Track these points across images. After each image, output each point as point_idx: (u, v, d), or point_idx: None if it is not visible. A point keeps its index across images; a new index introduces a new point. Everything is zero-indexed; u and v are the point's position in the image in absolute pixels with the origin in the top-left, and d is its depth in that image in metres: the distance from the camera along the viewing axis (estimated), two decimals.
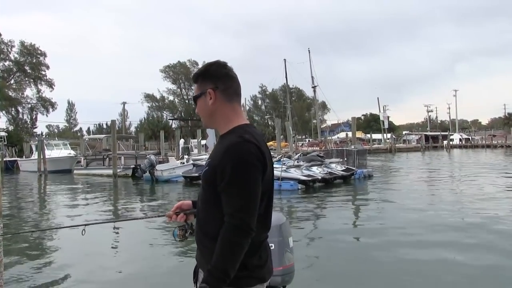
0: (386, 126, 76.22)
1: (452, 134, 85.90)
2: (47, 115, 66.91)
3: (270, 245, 2.41)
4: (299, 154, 23.24)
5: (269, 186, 1.97)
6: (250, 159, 1.84)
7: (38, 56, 62.24)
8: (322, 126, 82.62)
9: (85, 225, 2.73)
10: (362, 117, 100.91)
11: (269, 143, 63.09)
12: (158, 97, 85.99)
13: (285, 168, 18.11)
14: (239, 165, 1.83)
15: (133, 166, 27.20)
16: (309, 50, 69.06)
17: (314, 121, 78.90)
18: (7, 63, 62.33)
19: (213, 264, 1.82)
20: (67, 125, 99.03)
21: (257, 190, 1.85)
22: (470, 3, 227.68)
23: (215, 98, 2.04)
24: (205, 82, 2.07)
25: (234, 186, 1.83)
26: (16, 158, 43.82)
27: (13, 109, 62.77)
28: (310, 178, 18.10)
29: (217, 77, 2.06)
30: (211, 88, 2.04)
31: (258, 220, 1.88)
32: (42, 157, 32.68)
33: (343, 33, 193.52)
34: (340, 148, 28.34)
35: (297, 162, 19.97)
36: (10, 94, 60.04)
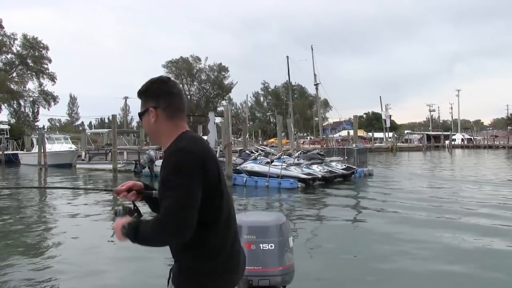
0: (388, 125, 76.14)
1: (454, 134, 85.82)
2: (48, 109, 66.83)
3: (270, 245, 2.38)
4: (299, 152, 23.17)
5: (216, 189, 1.98)
6: (181, 165, 1.88)
7: (41, 49, 62.08)
8: (323, 124, 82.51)
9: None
10: (364, 116, 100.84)
11: (270, 140, 63.63)
12: None
13: (285, 166, 18.07)
14: (173, 172, 1.87)
15: (135, 161, 27.16)
16: (311, 48, 68.84)
17: (316, 118, 78.78)
18: (9, 56, 62.24)
19: (141, 228, 1.89)
20: (68, 119, 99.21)
21: (190, 193, 1.86)
22: (468, 4, 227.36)
23: (157, 117, 2.05)
24: (147, 100, 2.08)
25: (170, 189, 1.86)
26: (17, 151, 43.88)
27: (15, 102, 62.70)
28: (310, 177, 18.03)
29: (158, 95, 2.07)
30: (152, 107, 2.05)
31: (218, 222, 1.97)
32: (42, 151, 32.66)
33: (342, 33, 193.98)
34: (341, 147, 28.27)
35: (297, 160, 19.92)
36: (12, 87, 59.94)
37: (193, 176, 1.88)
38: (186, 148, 1.93)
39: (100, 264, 6.90)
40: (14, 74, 63.48)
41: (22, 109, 65.80)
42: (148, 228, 1.88)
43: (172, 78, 2.21)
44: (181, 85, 76.64)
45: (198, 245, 1.96)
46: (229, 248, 2.04)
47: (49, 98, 64.43)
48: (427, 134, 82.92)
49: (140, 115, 2.12)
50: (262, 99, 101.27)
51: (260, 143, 53.21)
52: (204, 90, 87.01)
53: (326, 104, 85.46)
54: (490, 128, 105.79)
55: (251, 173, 18.36)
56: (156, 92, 2.07)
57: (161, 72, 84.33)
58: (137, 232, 1.89)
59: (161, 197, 1.90)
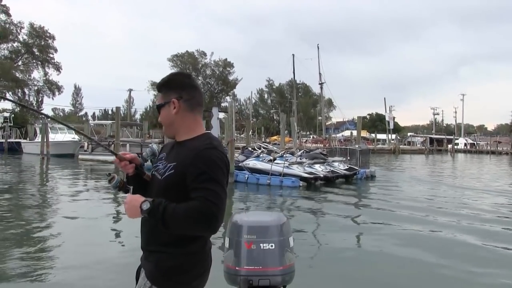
0: (392, 126, 75.94)
1: (458, 138, 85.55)
2: (53, 98, 66.99)
3: (270, 244, 2.38)
4: (302, 151, 23.13)
5: None
6: (219, 163, 1.94)
7: (47, 38, 62.14)
8: (327, 124, 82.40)
9: None
10: (368, 117, 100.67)
11: (273, 138, 63.49)
12: None
13: (287, 164, 18.07)
14: (212, 167, 1.91)
15: (138, 154, 27.08)
16: (318, 46, 68.81)
17: (320, 117, 78.70)
18: (15, 44, 62.34)
19: (171, 210, 1.85)
20: (72, 109, 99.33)
21: (225, 191, 1.94)
22: (474, 6, 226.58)
23: (179, 108, 2.08)
24: (169, 91, 2.11)
25: (211, 182, 1.88)
26: (20, 140, 43.98)
27: (19, 90, 62.82)
28: (312, 176, 18.02)
29: (181, 87, 2.11)
30: (175, 98, 2.08)
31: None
32: (45, 140, 32.71)
33: (347, 32, 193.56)
34: (343, 147, 28.22)
35: (300, 159, 19.90)
36: (17, 75, 60.09)
37: (225, 176, 1.97)
38: (220, 148, 2.02)
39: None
40: (20, 63, 63.59)
41: (27, 97, 65.94)
42: (180, 212, 1.84)
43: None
44: None
45: (196, 241, 2.00)
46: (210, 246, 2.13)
47: (53, 88, 64.56)
48: (430, 137, 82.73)
49: (160, 106, 2.13)
50: (266, 96, 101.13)
51: (263, 140, 53.18)
52: (209, 85, 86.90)
53: (330, 104, 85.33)
54: (495, 134, 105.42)
55: (253, 170, 18.36)
56: (179, 84, 2.12)
57: (166, 65, 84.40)
58: (163, 213, 1.85)
59: (196, 187, 1.89)
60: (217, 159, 1.94)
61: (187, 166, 1.93)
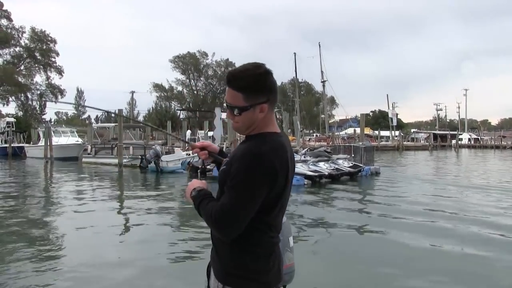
0: (395, 123, 75.73)
1: (461, 134, 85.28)
2: (55, 102, 67.07)
3: None
4: (306, 149, 23.06)
5: (281, 197, 1.95)
6: (258, 172, 1.81)
7: (48, 42, 62.19)
8: (330, 122, 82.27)
9: None
10: (371, 114, 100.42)
11: None
12: (166, 87, 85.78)
13: None
14: (247, 173, 1.81)
15: (141, 156, 27.13)
16: (319, 45, 68.71)
17: (322, 116, 78.60)
18: (17, 49, 62.46)
19: (203, 204, 1.93)
20: (75, 112, 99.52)
21: (254, 200, 1.83)
22: (477, 2, 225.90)
23: (266, 111, 1.94)
24: (258, 94, 1.92)
25: (237, 188, 1.83)
26: (23, 144, 44.03)
27: (22, 95, 62.93)
28: (316, 174, 17.94)
29: (269, 90, 1.95)
30: (264, 102, 1.92)
31: (270, 224, 1.94)
32: (49, 144, 32.74)
33: (349, 30, 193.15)
34: (347, 144, 28.13)
35: (304, 157, 19.81)
36: (20, 80, 60.19)
37: (263, 185, 1.89)
38: (267, 155, 1.89)
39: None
40: (22, 67, 63.68)
41: (30, 102, 66.07)
42: (207, 209, 1.90)
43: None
44: (187, 80, 75.63)
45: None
46: (277, 249, 2.09)
47: (56, 91, 64.57)
48: (433, 133, 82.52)
49: (243, 109, 1.92)
50: None
51: None
52: (211, 86, 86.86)
53: (332, 102, 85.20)
54: (499, 129, 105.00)
55: None
56: (268, 86, 1.94)
57: (168, 66, 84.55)
58: (199, 204, 1.95)
59: (229, 188, 1.89)
60: (256, 165, 1.81)
61: (232, 164, 1.89)
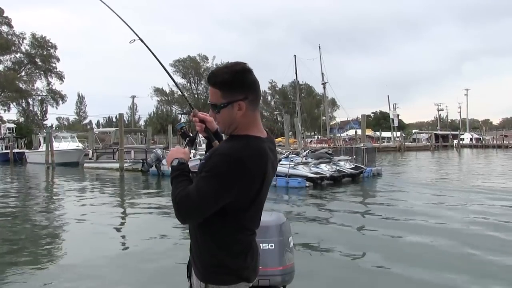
0: (396, 124, 75.71)
1: (463, 134, 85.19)
2: (57, 108, 67.32)
3: (270, 244, 2.30)
4: (307, 151, 23.03)
5: (255, 200, 1.95)
6: (230, 175, 1.83)
7: (49, 48, 62.51)
8: (331, 123, 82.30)
9: None
10: (372, 115, 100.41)
11: (277, 139, 63.27)
12: (167, 91, 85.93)
13: (293, 165, 17.93)
14: (222, 172, 1.83)
15: (143, 160, 27.13)
16: (319, 47, 68.91)
17: (323, 118, 78.61)
18: (18, 55, 62.77)
19: (176, 181, 1.96)
20: (76, 117, 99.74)
21: (221, 198, 1.85)
22: (476, 2, 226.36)
23: (245, 109, 1.93)
24: (234, 91, 1.93)
25: (208, 182, 1.85)
26: (23, 150, 44.10)
27: (23, 101, 63.20)
28: (318, 176, 17.88)
29: (247, 87, 1.95)
30: (242, 100, 1.92)
31: (246, 222, 1.96)
32: (50, 149, 32.78)
33: (350, 32, 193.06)
34: (349, 146, 28.10)
35: (305, 159, 19.78)
36: (21, 86, 60.45)
37: (228, 184, 1.92)
38: (244, 161, 1.91)
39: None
40: (23, 73, 64.01)
41: (31, 108, 66.28)
42: (177, 187, 1.92)
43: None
44: (187, 84, 75.83)
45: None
46: (253, 245, 2.11)
47: (57, 97, 64.85)
48: (435, 134, 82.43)
49: (221, 107, 1.94)
50: (269, 98, 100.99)
51: None
52: None
53: (333, 103, 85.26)
54: (500, 129, 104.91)
55: None
56: (245, 83, 1.94)
57: (169, 70, 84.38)
58: (174, 177, 1.97)
59: (200, 178, 1.92)
60: (233, 168, 1.83)
61: (211, 158, 1.92)
